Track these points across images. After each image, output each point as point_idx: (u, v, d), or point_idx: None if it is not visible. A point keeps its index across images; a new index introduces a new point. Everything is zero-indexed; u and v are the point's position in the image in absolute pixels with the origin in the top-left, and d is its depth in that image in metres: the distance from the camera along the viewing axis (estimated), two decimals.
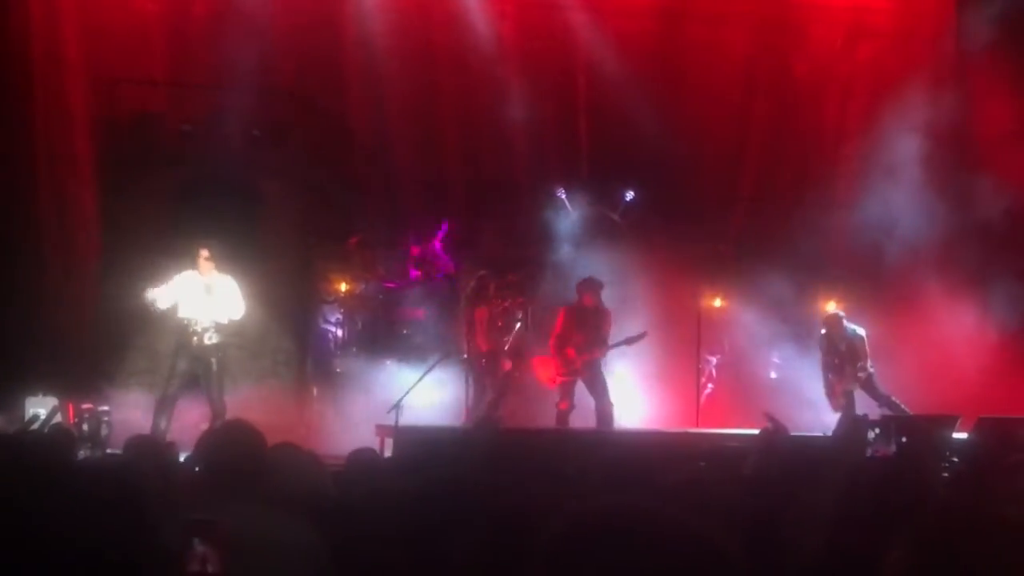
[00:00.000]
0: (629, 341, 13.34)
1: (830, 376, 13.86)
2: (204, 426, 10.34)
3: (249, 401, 11.94)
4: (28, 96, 14.29)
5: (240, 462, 4.12)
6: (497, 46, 15.90)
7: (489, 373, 13.71)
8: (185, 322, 11.38)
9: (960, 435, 10.63)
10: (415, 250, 15.15)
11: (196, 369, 11.45)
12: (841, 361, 13.75)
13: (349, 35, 15.73)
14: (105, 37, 14.80)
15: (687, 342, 14.56)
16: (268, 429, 4.49)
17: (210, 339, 11.39)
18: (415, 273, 15.10)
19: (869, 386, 13.70)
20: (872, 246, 15.72)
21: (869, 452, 10.23)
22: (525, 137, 15.91)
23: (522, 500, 3.42)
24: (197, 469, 4.50)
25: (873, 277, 15.54)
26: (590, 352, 13.18)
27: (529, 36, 16.31)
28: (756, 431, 9.65)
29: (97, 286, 14.16)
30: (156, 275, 11.53)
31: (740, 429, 12.18)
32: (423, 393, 12.73)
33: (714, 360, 15.18)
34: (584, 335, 13.20)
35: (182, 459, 6.69)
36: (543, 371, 13.78)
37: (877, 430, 11.47)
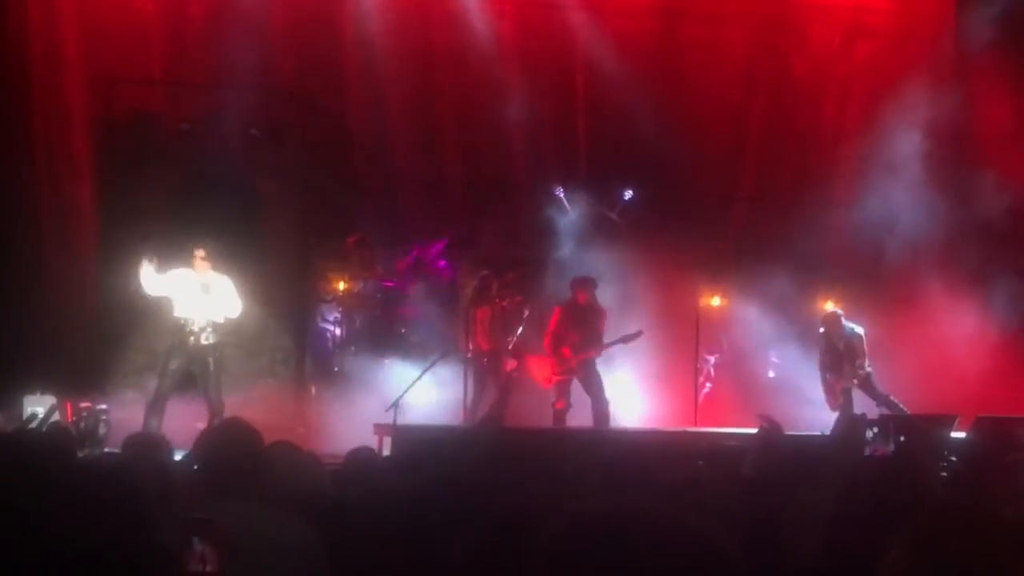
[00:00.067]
0: (625, 340, 13.34)
1: (828, 376, 13.87)
2: (201, 425, 10.33)
3: (247, 400, 11.94)
4: (26, 95, 14.29)
5: (238, 461, 4.12)
6: (496, 46, 15.89)
7: (491, 373, 13.71)
8: (182, 322, 11.36)
9: (958, 434, 10.64)
10: (410, 259, 15.18)
11: (191, 368, 11.43)
12: (839, 360, 13.76)
13: (348, 35, 15.72)
14: (103, 36, 14.79)
15: (686, 341, 14.57)
16: (266, 428, 4.49)
17: (207, 339, 11.37)
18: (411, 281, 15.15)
19: (867, 385, 13.72)
20: (871, 245, 15.73)
21: (867, 451, 10.24)
22: (524, 136, 15.91)
23: (520, 500, 3.42)
24: (196, 468, 4.50)
25: (872, 276, 15.55)
26: (585, 351, 13.17)
27: (528, 36, 16.31)
28: (754, 431, 9.66)
29: (95, 285, 14.16)
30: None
31: (738, 428, 12.19)
32: (421, 392, 12.74)
33: (712, 359, 15.18)
34: (579, 334, 13.19)
35: (177, 457, 6.69)
36: (539, 370, 13.77)
37: (875, 429, 11.50)
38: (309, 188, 15.14)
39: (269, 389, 13.69)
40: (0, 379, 12.56)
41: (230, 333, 11.87)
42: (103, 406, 12.00)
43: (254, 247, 14.05)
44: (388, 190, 16.01)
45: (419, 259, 15.30)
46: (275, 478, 4.31)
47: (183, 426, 10.83)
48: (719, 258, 15.98)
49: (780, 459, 5.96)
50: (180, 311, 11.37)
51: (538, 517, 2.58)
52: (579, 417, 13.27)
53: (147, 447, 6.52)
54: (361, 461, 5.87)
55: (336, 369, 14.53)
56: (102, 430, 11.64)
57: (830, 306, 14.29)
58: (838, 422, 12.44)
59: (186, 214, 14.03)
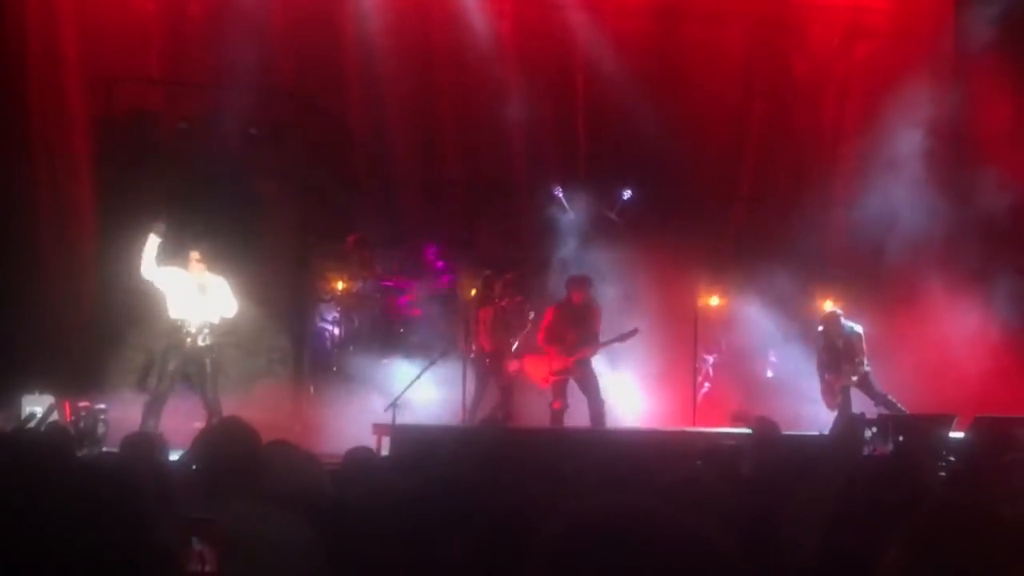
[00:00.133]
0: (622, 338, 13.33)
1: (827, 375, 13.87)
2: (199, 425, 10.34)
3: (245, 400, 11.93)
4: (25, 95, 14.28)
5: (236, 460, 4.12)
6: (495, 45, 15.89)
7: (493, 373, 13.70)
8: (178, 323, 11.36)
9: (957, 434, 10.64)
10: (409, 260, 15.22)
11: (188, 370, 11.43)
12: (838, 358, 13.77)
13: (347, 34, 15.71)
14: (103, 35, 14.78)
15: (684, 341, 14.58)
16: (265, 427, 4.49)
17: (204, 340, 11.37)
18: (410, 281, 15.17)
19: (865, 385, 13.72)
20: (871, 244, 15.74)
21: (866, 451, 10.25)
22: (524, 136, 15.90)
23: (519, 500, 3.42)
24: (194, 468, 4.50)
25: (872, 276, 15.56)
26: (581, 350, 13.16)
27: (527, 35, 16.30)
28: (751, 431, 9.67)
29: (94, 284, 14.15)
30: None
31: (737, 428, 12.20)
32: (421, 391, 12.74)
33: (711, 359, 15.18)
34: (575, 333, 13.18)
35: (174, 457, 6.69)
36: (535, 370, 13.76)
37: (874, 429, 11.51)
38: (308, 188, 15.12)
39: (267, 389, 13.68)
40: None
41: (228, 333, 11.86)
42: (102, 405, 12.00)
43: (253, 247, 14.04)
44: (387, 190, 16.00)
45: (418, 259, 15.30)
46: (273, 478, 4.31)
47: (181, 426, 10.84)
48: (718, 257, 15.97)
49: (778, 459, 5.97)
50: (176, 312, 11.37)
51: (537, 517, 2.58)
52: (577, 417, 13.27)
53: (145, 446, 6.53)
54: (360, 461, 5.88)
55: (335, 369, 14.52)
56: (101, 429, 11.64)
57: (829, 306, 14.29)
58: (836, 422, 12.48)
59: (185, 213, 14.02)
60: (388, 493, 4.24)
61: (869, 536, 3.40)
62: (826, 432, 11.59)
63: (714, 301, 15.44)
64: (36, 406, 11.58)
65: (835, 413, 13.34)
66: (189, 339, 11.32)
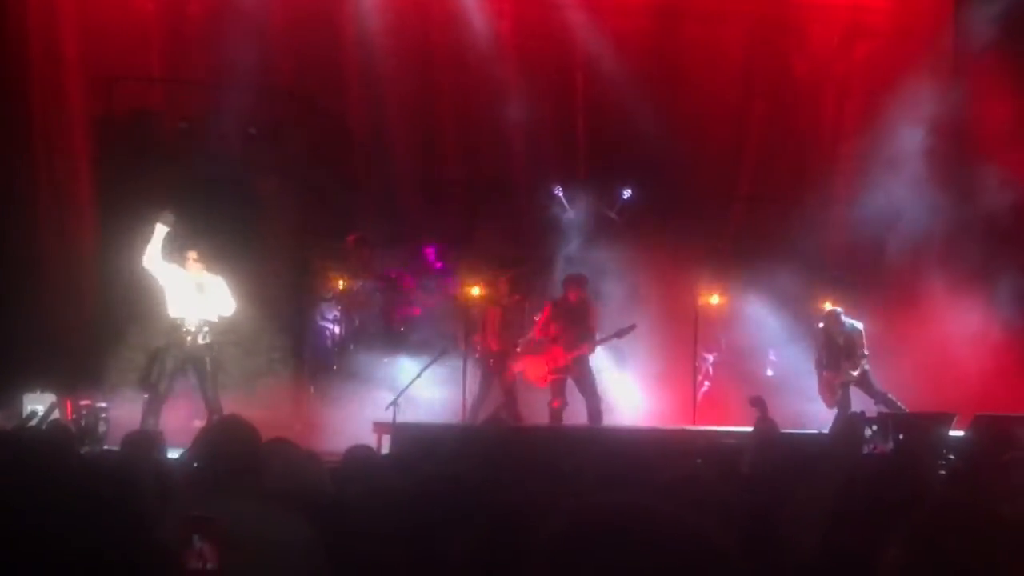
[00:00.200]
0: (619, 334, 13.35)
1: (825, 373, 13.87)
2: (199, 423, 10.35)
3: (246, 398, 11.95)
4: (26, 94, 14.29)
5: (236, 459, 4.13)
6: (495, 45, 15.89)
7: (497, 373, 13.69)
8: (177, 322, 11.37)
9: (957, 433, 10.64)
10: (410, 282, 15.20)
11: (188, 368, 11.43)
12: (837, 356, 13.77)
13: (347, 34, 15.72)
14: (103, 35, 14.79)
15: (684, 340, 14.58)
16: (265, 426, 4.49)
17: (203, 339, 11.38)
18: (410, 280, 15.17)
19: (865, 383, 13.72)
20: (872, 243, 15.74)
21: (866, 449, 10.25)
22: (524, 136, 15.90)
23: (519, 498, 3.42)
24: (195, 466, 4.51)
25: (872, 275, 15.56)
26: (579, 348, 13.16)
27: (527, 35, 16.30)
28: (752, 428, 9.67)
29: (95, 283, 14.16)
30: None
31: (736, 426, 12.20)
32: (421, 390, 12.74)
33: (711, 358, 15.18)
34: (572, 331, 13.18)
35: (175, 455, 6.70)
36: (534, 370, 13.76)
37: (874, 427, 11.51)
38: (308, 187, 15.13)
39: (268, 387, 13.69)
40: (0, 377, 12.56)
41: (228, 332, 11.87)
42: (103, 404, 12.01)
43: (253, 246, 14.05)
44: (387, 189, 16.00)
45: (418, 259, 15.30)
46: (274, 476, 4.32)
47: (181, 424, 10.86)
48: (718, 257, 15.97)
49: (778, 457, 5.97)
50: (174, 311, 11.38)
51: (537, 515, 2.59)
52: (576, 415, 13.27)
53: (145, 445, 6.53)
54: (360, 459, 5.87)
55: (335, 367, 14.53)
56: (102, 428, 11.66)
57: (829, 306, 14.29)
58: (836, 420, 12.48)
59: (185, 212, 14.02)
60: (388, 491, 4.24)
61: (869, 534, 3.40)
62: (826, 430, 11.60)
63: (714, 300, 15.43)
64: (37, 404, 11.59)
65: (835, 411, 13.34)
66: (189, 338, 11.33)
